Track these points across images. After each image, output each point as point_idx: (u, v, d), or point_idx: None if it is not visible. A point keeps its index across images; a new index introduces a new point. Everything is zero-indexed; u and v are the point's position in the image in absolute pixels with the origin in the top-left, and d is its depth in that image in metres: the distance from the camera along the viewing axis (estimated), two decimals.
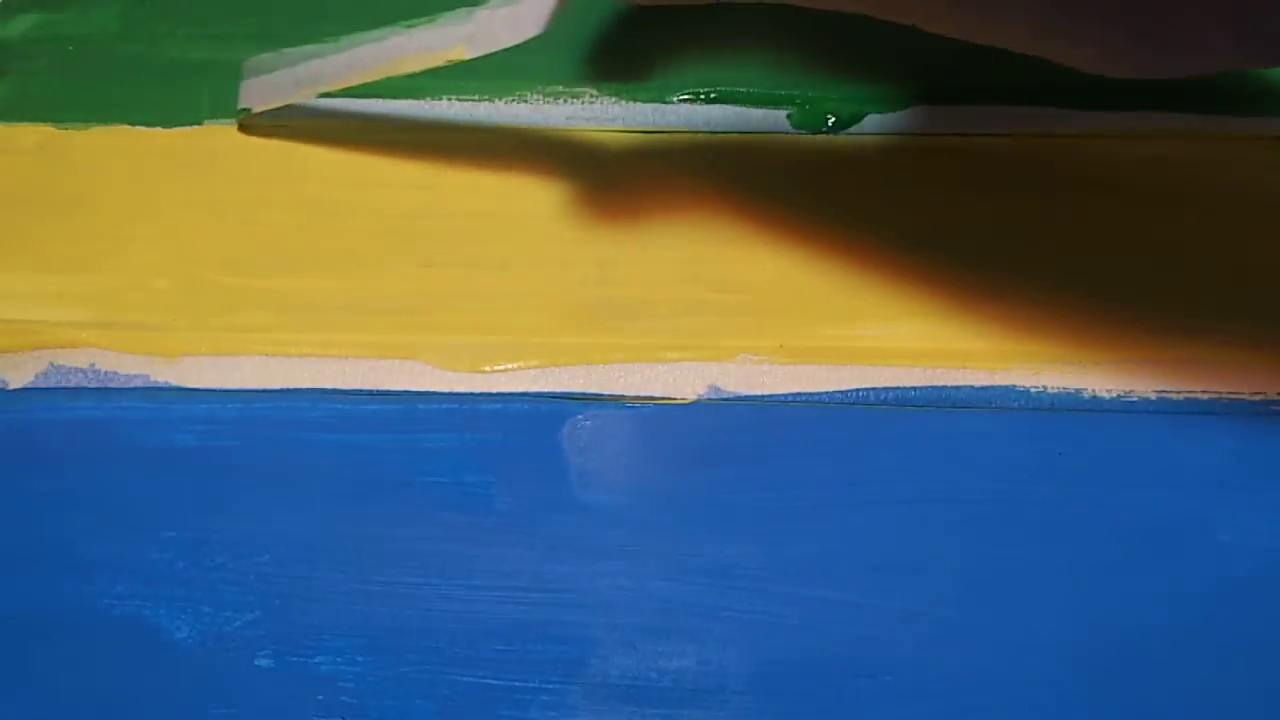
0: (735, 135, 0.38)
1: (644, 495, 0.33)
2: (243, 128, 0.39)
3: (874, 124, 0.38)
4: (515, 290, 0.36)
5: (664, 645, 0.32)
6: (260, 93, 0.38)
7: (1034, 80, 0.38)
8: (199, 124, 0.39)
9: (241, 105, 0.38)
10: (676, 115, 0.39)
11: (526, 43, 0.35)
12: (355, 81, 0.37)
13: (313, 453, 0.34)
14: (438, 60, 0.36)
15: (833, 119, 0.38)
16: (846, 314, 0.35)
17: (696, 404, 0.35)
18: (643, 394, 0.35)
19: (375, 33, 0.37)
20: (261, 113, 0.38)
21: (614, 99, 0.39)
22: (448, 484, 0.34)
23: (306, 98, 0.38)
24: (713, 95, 0.39)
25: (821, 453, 0.34)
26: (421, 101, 0.39)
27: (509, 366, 0.35)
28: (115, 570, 0.33)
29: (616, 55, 0.40)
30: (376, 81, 0.37)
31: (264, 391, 0.35)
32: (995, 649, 0.32)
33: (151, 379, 0.35)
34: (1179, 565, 0.32)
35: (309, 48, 0.37)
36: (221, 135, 0.39)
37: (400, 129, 0.39)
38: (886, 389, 0.35)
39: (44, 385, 0.35)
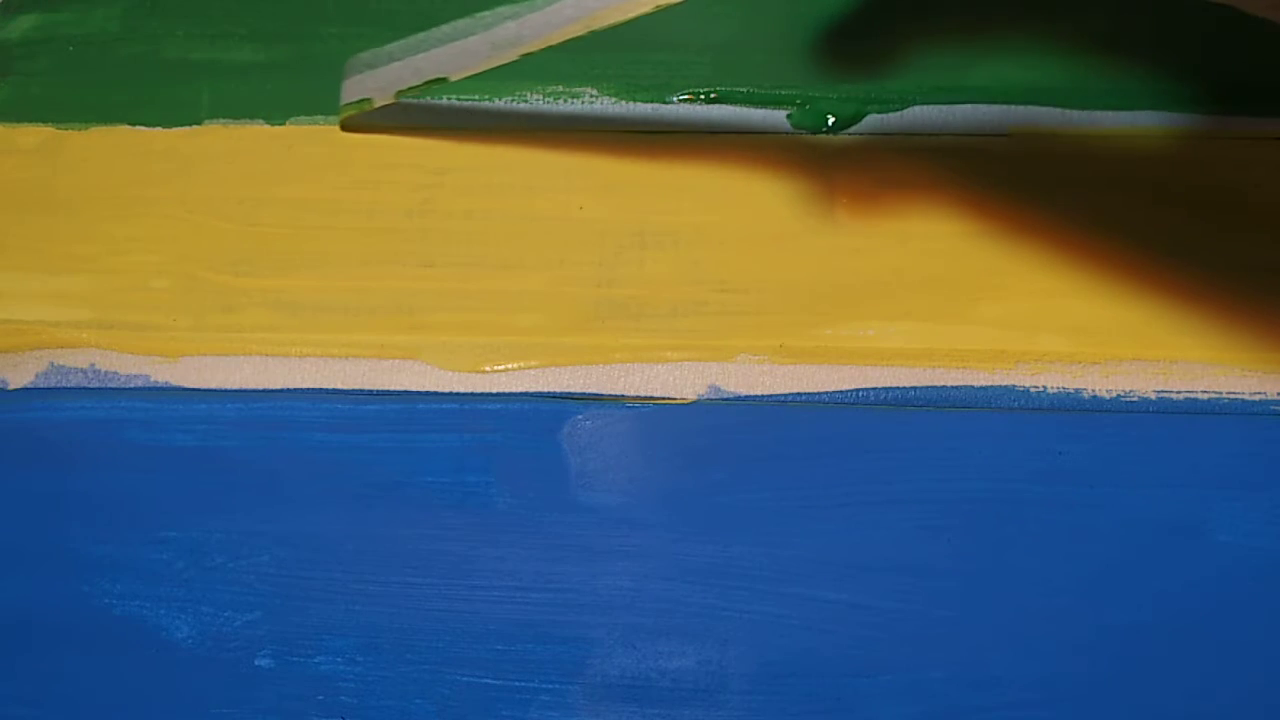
0: (736, 134, 0.38)
1: (644, 495, 0.33)
2: (347, 124, 0.38)
3: (874, 124, 0.38)
4: (515, 290, 0.36)
5: (664, 645, 0.32)
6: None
7: (1035, 80, 0.38)
8: (199, 124, 0.39)
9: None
10: (676, 115, 0.39)
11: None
12: (559, 39, 0.35)
13: (313, 453, 0.34)
14: (647, 6, 0.34)
15: (832, 119, 0.38)
16: (846, 314, 0.35)
17: (696, 404, 0.35)
18: (643, 394, 0.35)
19: None
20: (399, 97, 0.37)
21: (614, 99, 0.39)
22: (448, 484, 0.34)
23: (507, 60, 0.36)
24: (712, 95, 0.39)
25: (821, 453, 0.34)
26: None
27: (509, 366, 0.35)
28: (115, 570, 0.33)
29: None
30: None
31: (264, 391, 0.35)
32: (995, 649, 0.32)
33: (151, 379, 0.35)
34: (1179, 565, 0.32)
35: (501, 9, 0.36)
36: (221, 135, 0.39)
37: (399, 130, 0.39)
38: (886, 389, 0.35)
39: (44, 385, 0.35)
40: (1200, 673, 0.31)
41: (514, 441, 0.34)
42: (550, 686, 0.32)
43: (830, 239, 0.37)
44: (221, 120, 0.39)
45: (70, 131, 0.39)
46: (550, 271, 0.36)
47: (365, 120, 0.38)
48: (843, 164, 0.38)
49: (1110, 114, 0.38)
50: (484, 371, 0.35)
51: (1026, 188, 0.37)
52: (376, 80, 0.38)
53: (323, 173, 0.38)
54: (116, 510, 0.33)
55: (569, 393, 0.35)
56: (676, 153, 0.38)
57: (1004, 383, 0.35)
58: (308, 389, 0.35)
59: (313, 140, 0.39)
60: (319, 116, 0.39)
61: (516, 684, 0.32)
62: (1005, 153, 0.38)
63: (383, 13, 0.41)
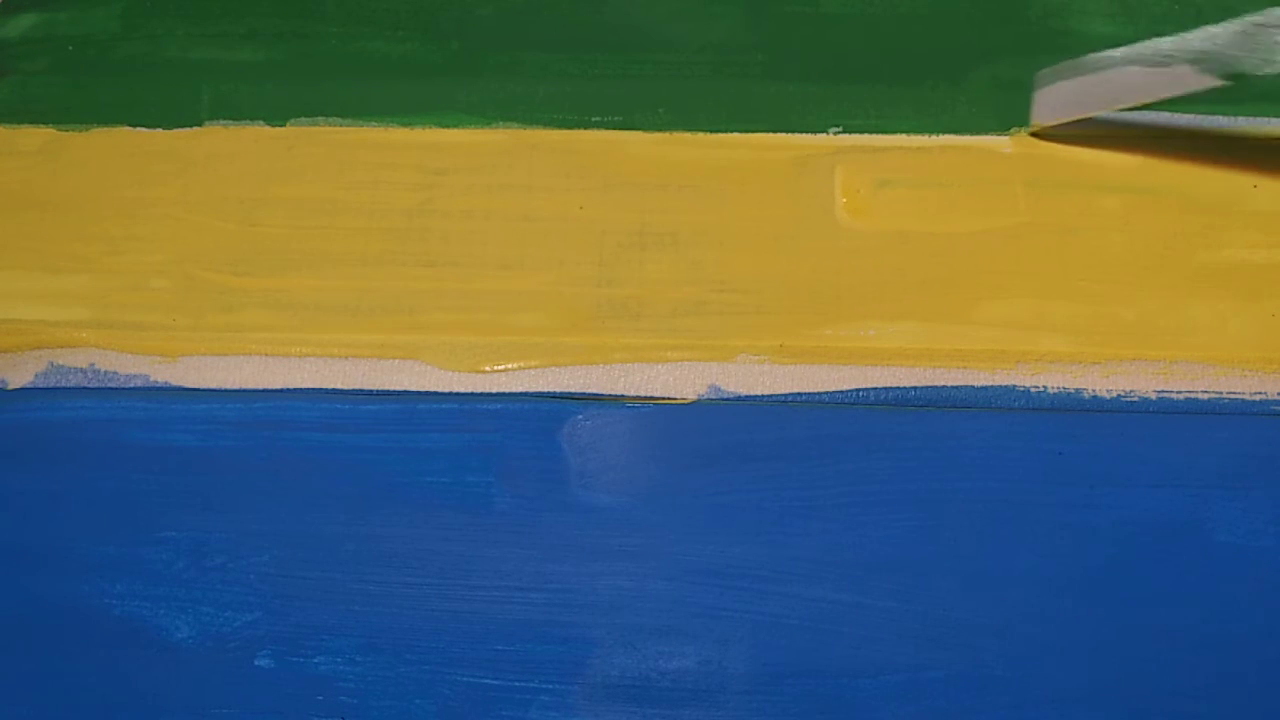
0: (733, 134, 0.38)
1: (644, 495, 0.33)
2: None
3: (873, 125, 0.38)
4: (515, 290, 0.36)
5: (664, 645, 0.32)
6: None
7: (1032, 79, 0.39)
8: (199, 124, 0.39)
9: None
10: None
11: None
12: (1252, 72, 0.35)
13: (312, 453, 0.34)
14: None
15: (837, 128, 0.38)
16: (846, 314, 0.35)
17: (696, 404, 0.35)
18: (643, 394, 0.35)
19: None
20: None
21: None
22: (448, 484, 0.34)
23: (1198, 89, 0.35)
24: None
25: (821, 453, 0.34)
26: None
27: (509, 366, 0.35)
28: (115, 570, 0.33)
29: None
30: None
31: (264, 391, 0.35)
32: (995, 649, 0.32)
33: (151, 379, 0.35)
34: (1179, 565, 0.32)
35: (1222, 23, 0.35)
36: (221, 135, 0.39)
37: (398, 131, 0.39)
38: (886, 389, 0.35)
39: (44, 385, 0.35)
40: (1200, 673, 0.31)
41: (514, 441, 0.34)
42: (550, 686, 0.32)
43: (830, 239, 0.37)
44: (221, 120, 0.39)
45: (71, 133, 0.39)
46: (550, 271, 0.36)
47: (1057, 130, 0.38)
48: (843, 164, 0.38)
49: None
50: (484, 371, 0.35)
51: (1027, 188, 0.37)
52: (1066, 95, 0.37)
53: (323, 173, 0.38)
54: (116, 510, 0.33)
55: (569, 393, 0.35)
56: (676, 153, 0.38)
57: (1004, 383, 0.35)
58: (308, 389, 0.35)
59: (313, 140, 0.39)
60: (319, 117, 0.39)
61: (516, 684, 0.32)
62: (1005, 153, 0.38)
63: (383, 12, 0.41)
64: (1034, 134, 0.38)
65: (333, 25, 0.40)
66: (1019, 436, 0.34)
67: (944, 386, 0.35)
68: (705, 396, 0.35)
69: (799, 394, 0.35)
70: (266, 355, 0.35)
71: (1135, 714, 0.31)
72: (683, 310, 0.36)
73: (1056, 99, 0.37)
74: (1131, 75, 0.36)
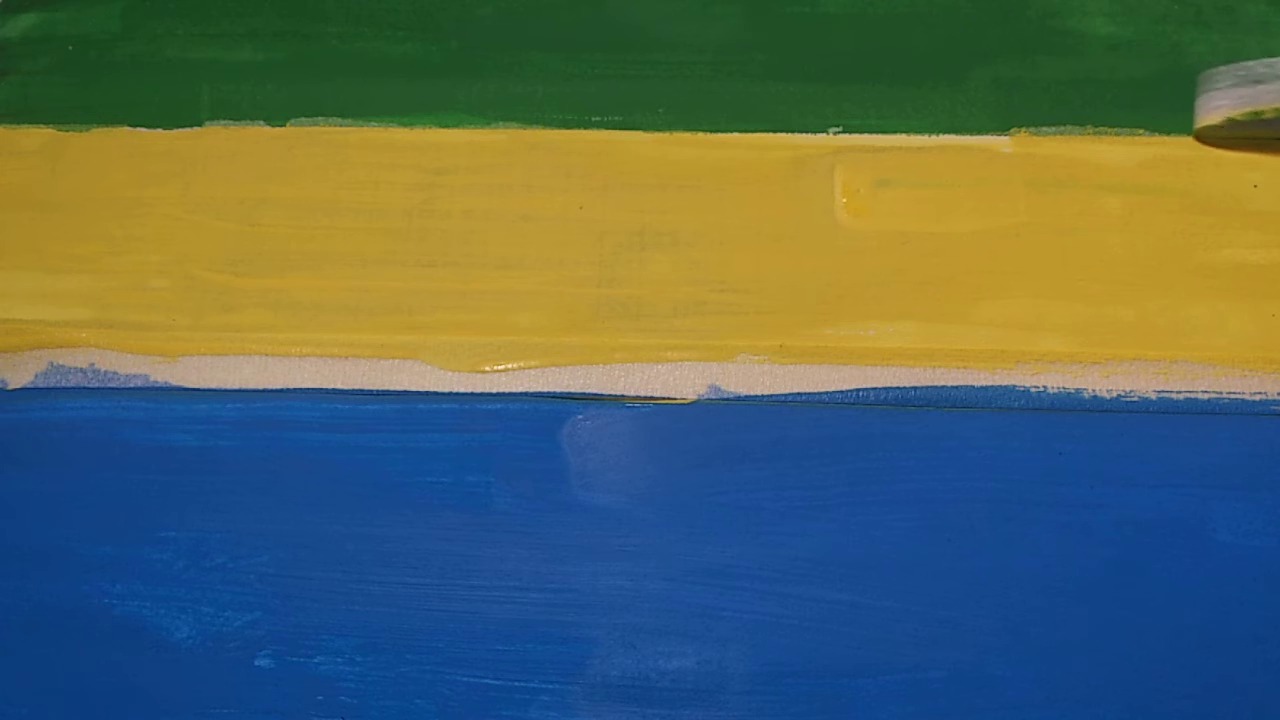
0: (733, 134, 0.38)
1: (644, 495, 0.33)
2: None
3: (873, 125, 0.38)
4: (515, 290, 0.36)
5: (664, 645, 0.32)
6: None
7: (1032, 79, 0.39)
8: (199, 124, 0.39)
9: None
10: None
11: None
12: None
13: (312, 453, 0.34)
14: None
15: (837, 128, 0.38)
16: (846, 314, 0.35)
17: (696, 404, 0.35)
18: (643, 394, 0.35)
19: None
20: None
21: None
22: (448, 484, 0.34)
23: None
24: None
25: (821, 453, 0.34)
26: None
27: (509, 366, 0.35)
28: (115, 570, 0.33)
29: None
30: None
31: (264, 391, 0.35)
32: (995, 649, 0.32)
33: (151, 379, 0.35)
34: (1179, 565, 0.32)
35: None
36: (221, 136, 0.39)
37: (398, 131, 0.39)
38: (886, 389, 0.35)
39: (43, 385, 0.35)
40: (1200, 673, 0.31)
41: (514, 441, 0.34)
42: (550, 686, 0.32)
43: (830, 239, 0.37)
44: (221, 121, 0.39)
45: (71, 133, 0.39)
46: (550, 271, 0.36)
47: (1224, 131, 0.37)
48: (842, 164, 0.38)
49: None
50: (484, 371, 0.35)
51: (1027, 188, 0.37)
52: (1235, 96, 0.37)
53: (323, 173, 0.38)
54: (116, 510, 0.33)
55: (569, 393, 0.35)
56: (676, 153, 0.38)
57: (1004, 383, 0.35)
58: (308, 389, 0.35)
59: (313, 140, 0.39)
60: (319, 117, 0.39)
61: (516, 684, 0.32)
62: (1005, 153, 0.38)
63: (383, 12, 0.41)
64: (1198, 136, 0.38)
65: (333, 25, 0.40)
66: (1019, 436, 0.34)
67: (944, 386, 0.35)
68: (705, 396, 0.35)
69: (799, 394, 0.35)
70: (266, 355, 0.36)
71: (1135, 714, 0.31)
72: (683, 310, 0.36)
73: (1225, 101, 0.37)
74: None
